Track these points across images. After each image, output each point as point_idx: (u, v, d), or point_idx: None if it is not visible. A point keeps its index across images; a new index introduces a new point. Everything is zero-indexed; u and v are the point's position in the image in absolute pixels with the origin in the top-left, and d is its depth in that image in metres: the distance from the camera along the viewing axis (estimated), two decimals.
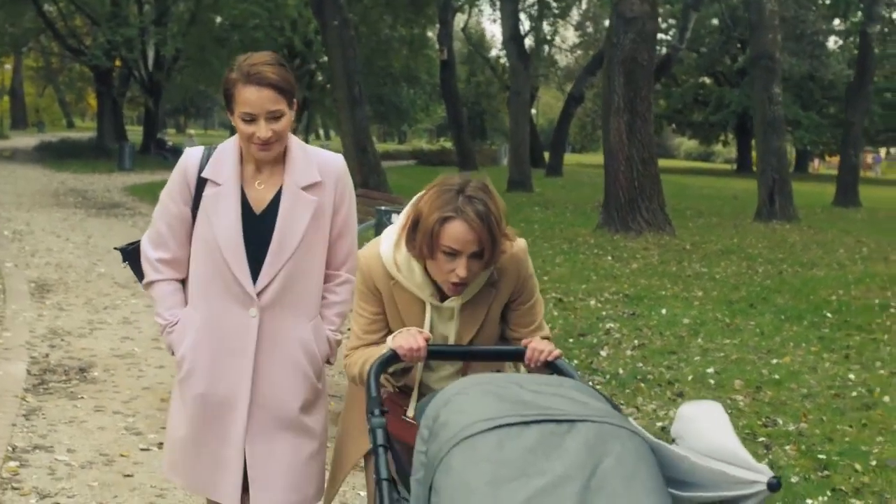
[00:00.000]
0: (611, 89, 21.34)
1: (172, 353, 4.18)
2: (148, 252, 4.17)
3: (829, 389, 9.21)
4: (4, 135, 67.43)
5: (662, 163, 78.11)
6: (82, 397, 8.10)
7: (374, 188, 22.58)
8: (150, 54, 51.40)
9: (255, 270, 4.01)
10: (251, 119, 3.88)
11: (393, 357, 3.58)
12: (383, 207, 13.57)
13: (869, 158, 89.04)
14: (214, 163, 4.07)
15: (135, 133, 62.06)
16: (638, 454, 2.76)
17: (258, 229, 4.02)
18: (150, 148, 51.00)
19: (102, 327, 10.64)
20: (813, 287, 15.19)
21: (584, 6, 68.47)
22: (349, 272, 4.23)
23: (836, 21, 63.09)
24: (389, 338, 3.64)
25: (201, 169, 4.06)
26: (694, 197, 39.00)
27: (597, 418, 2.81)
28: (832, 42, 68.16)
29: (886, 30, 59.51)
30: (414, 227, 3.70)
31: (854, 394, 9.11)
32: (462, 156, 50.11)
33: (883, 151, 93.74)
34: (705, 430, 2.89)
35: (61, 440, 6.99)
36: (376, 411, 3.32)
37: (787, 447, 7.49)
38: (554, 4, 56.38)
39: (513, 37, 40.99)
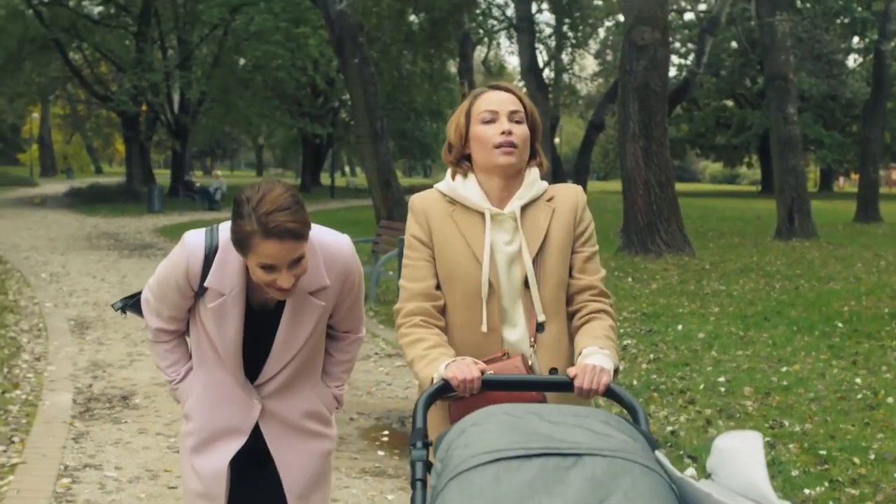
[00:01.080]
0: (626, 116, 21.83)
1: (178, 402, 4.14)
2: (148, 319, 4.07)
3: (835, 393, 9.63)
4: (34, 182, 68.29)
5: (687, 187, 78.34)
6: (126, 421, 8.62)
7: (399, 220, 23.09)
8: (176, 98, 52.15)
9: (259, 364, 3.94)
10: (271, 268, 3.60)
11: (444, 388, 3.40)
12: (403, 237, 14.04)
13: (894, 175, 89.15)
14: (219, 270, 3.81)
15: (162, 176, 62.88)
16: (651, 492, 2.58)
17: (260, 327, 3.89)
18: (178, 190, 51.69)
19: (141, 359, 11.14)
20: (826, 300, 15.60)
21: (601, 35, 69.08)
22: (356, 333, 4.19)
23: (856, 39, 63.56)
24: (442, 365, 3.44)
25: (204, 274, 3.81)
26: (717, 219, 39.40)
27: (608, 452, 2.65)
28: (852, 60, 68.53)
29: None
30: (450, 146, 3.81)
31: (859, 396, 9.53)
32: None
33: None
34: (736, 465, 2.68)
35: (109, 459, 7.51)
36: (419, 444, 3.15)
37: (791, 445, 7.92)
38: (570, 35, 57.02)
39: (531, 68, 41.58)
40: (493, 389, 3.45)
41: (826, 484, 6.99)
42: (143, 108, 51.75)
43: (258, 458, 4.02)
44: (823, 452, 7.71)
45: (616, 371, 3.51)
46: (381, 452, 7.88)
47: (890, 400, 9.34)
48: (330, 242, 3.89)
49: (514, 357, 3.58)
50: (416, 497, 2.97)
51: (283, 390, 3.96)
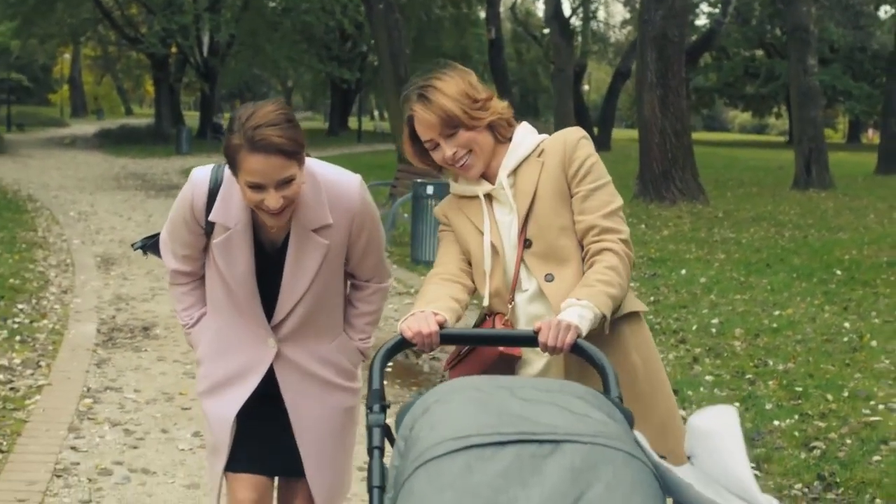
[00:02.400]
0: (643, 65, 22.17)
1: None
2: (166, 260, 4.02)
3: (821, 336, 10.07)
4: (65, 123, 68.88)
5: (716, 136, 78.17)
6: (146, 350, 9.18)
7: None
8: (205, 40, 52.52)
9: (270, 307, 3.85)
10: (259, 187, 3.53)
11: (402, 343, 3.30)
12: (419, 180, 14.48)
13: None
14: (223, 204, 3.76)
15: (191, 118, 63.32)
16: (634, 482, 2.42)
17: (271, 268, 3.82)
18: (207, 132, 52.20)
19: (162, 293, 11.67)
20: (830, 248, 15.99)
21: None
22: (378, 282, 4.07)
23: None
24: (402, 319, 3.40)
25: (209, 209, 3.76)
26: (740, 168, 39.68)
27: (587, 438, 2.47)
28: (883, 12, 68.25)
29: None
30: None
31: (845, 339, 9.97)
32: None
33: None
34: (717, 452, 2.61)
35: (129, 382, 8.08)
36: (375, 407, 3.00)
37: (770, 382, 8.40)
38: None
39: (555, 15, 41.83)
40: (453, 343, 3.51)
41: (796, 416, 7.46)
42: (173, 50, 52.16)
43: (275, 406, 3.93)
44: (800, 389, 8.18)
45: (604, 319, 3.40)
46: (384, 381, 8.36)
47: (874, 343, 9.77)
48: (336, 181, 3.82)
49: (490, 319, 3.67)
50: (374, 465, 2.80)
51: (299, 334, 3.87)
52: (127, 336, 9.69)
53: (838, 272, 13.69)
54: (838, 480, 6.22)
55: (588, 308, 3.36)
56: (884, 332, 10.25)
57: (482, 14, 55.23)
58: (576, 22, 59.87)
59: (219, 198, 3.74)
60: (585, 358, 3.21)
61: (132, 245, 4.42)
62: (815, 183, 28.24)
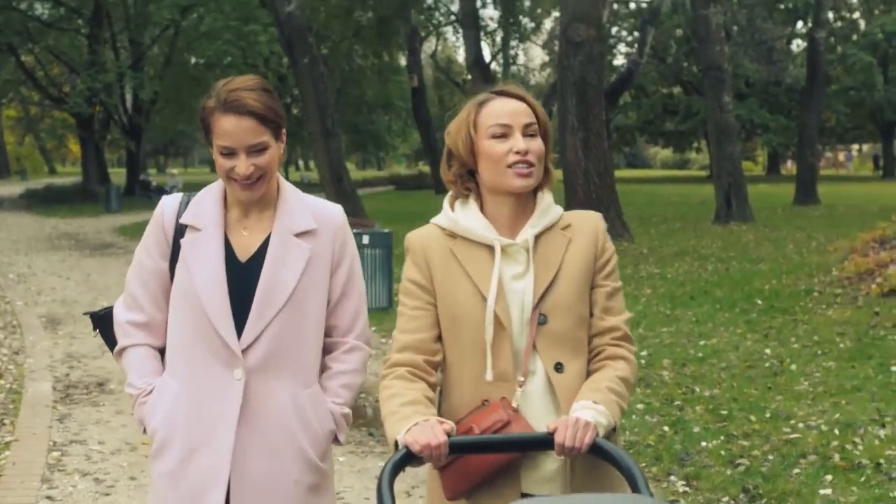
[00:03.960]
0: (564, 109, 22.82)
1: (144, 431, 3.64)
2: (119, 315, 3.69)
3: (744, 363, 10.68)
4: None
5: (638, 173, 79.24)
6: (104, 404, 9.59)
7: (350, 215, 24.04)
8: (129, 98, 52.78)
9: (241, 327, 3.50)
10: (230, 153, 3.43)
11: (407, 456, 2.99)
12: (355, 230, 14.92)
13: (841, 156, 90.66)
14: (195, 206, 3.61)
15: (117, 175, 63.29)
16: None
17: (243, 279, 3.53)
18: (135, 189, 52.32)
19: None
20: (750, 279, 16.67)
21: (548, 27, 70.11)
22: (359, 339, 3.71)
23: (800, 24, 64.93)
24: (403, 429, 3.05)
25: (179, 215, 3.61)
26: (662, 204, 40.56)
27: None
28: (795, 46, 69.87)
29: (838, 32, 61.48)
30: (450, 157, 3.43)
31: (767, 364, 10.58)
32: (437, 180, 51.42)
33: (855, 149, 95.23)
34: None
35: (92, 435, 8.50)
36: None
37: (698, 407, 8.96)
38: (515, 29, 57.91)
39: (476, 62, 42.64)
40: (463, 453, 3.12)
41: (722, 437, 8.03)
42: (97, 108, 52.33)
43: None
44: (725, 412, 8.75)
45: (614, 429, 3.16)
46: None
47: (794, 367, 10.38)
48: (322, 202, 3.72)
49: (493, 403, 3.21)
50: None
51: (271, 365, 3.51)
52: (83, 392, 10.07)
53: (759, 301, 14.34)
54: (761, 492, 6.79)
55: (603, 414, 3.11)
56: (802, 356, 10.87)
57: (403, 62, 55.94)
58: (496, 67, 60.81)
59: (191, 203, 3.64)
60: (607, 458, 3.01)
61: (84, 313, 4.23)
62: (735, 216, 29.09)
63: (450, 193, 3.46)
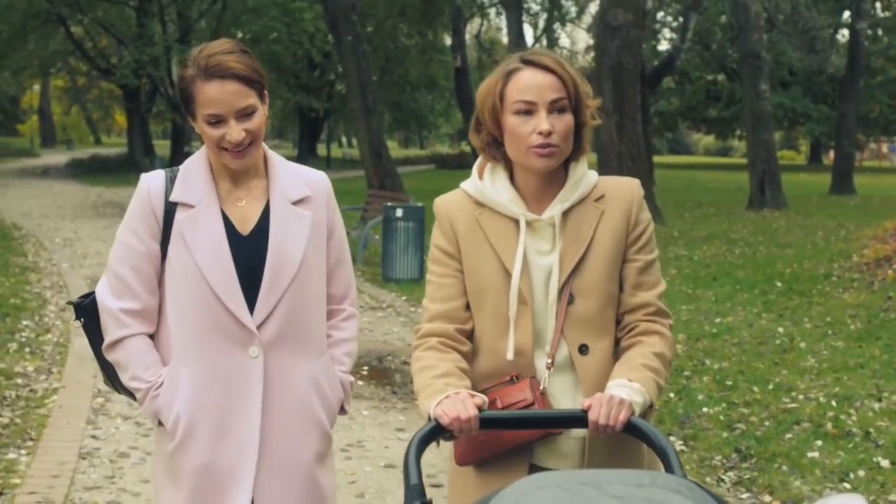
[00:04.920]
0: (600, 93, 23.24)
1: (160, 423, 3.50)
2: (109, 304, 3.46)
3: (756, 339, 11.14)
4: (35, 153, 69.55)
5: (680, 159, 78.79)
6: None
7: (389, 190, 24.57)
8: (175, 71, 53.49)
9: (250, 303, 3.41)
10: (218, 121, 3.32)
11: (437, 429, 2.92)
12: (388, 203, 15.50)
13: (884, 148, 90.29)
14: (182, 183, 3.46)
15: (161, 147, 64.09)
16: None
17: (247, 253, 3.43)
18: (180, 160, 52.73)
19: None
20: (773, 262, 17.09)
21: (593, 10, 70.28)
22: (352, 305, 3.74)
23: (846, 14, 64.78)
24: (434, 402, 2.98)
25: (167, 193, 3.45)
26: (700, 190, 40.83)
27: None
28: (841, 36, 69.68)
29: (885, 23, 61.41)
30: (478, 123, 3.26)
31: (777, 342, 11.04)
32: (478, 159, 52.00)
33: None
34: None
35: None
36: None
37: (705, 378, 9.44)
38: (556, 12, 58.22)
39: (517, 43, 42.99)
40: (494, 427, 3.05)
41: (724, 405, 8.51)
42: (144, 81, 53.03)
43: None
44: (730, 383, 9.23)
45: (650, 406, 3.08)
46: (360, 382, 9.36)
47: (803, 345, 10.83)
48: (308, 169, 3.68)
49: (522, 381, 3.15)
50: None
51: (286, 340, 3.46)
52: None
53: (778, 284, 14.76)
54: (752, 453, 7.29)
55: (639, 392, 3.02)
56: (813, 335, 11.31)
57: (448, 42, 56.29)
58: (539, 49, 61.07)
59: (178, 179, 3.48)
60: (641, 438, 2.95)
61: (68, 302, 3.97)
62: (768, 203, 29.42)
63: (480, 158, 3.32)
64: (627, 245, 3.22)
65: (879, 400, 8.62)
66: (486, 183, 3.26)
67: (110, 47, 58.47)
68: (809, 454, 7.24)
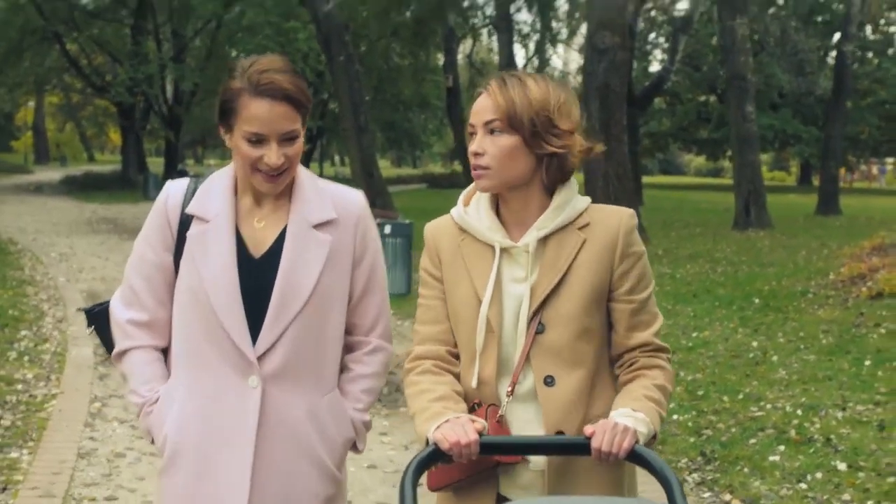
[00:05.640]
0: (587, 114, 23.67)
1: (152, 441, 3.40)
2: (118, 314, 3.39)
3: (730, 353, 11.53)
4: (29, 170, 69.89)
5: (671, 179, 79.10)
6: None
7: (378, 207, 24.99)
8: (169, 89, 53.95)
9: (256, 330, 3.22)
10: (259, 140, 3.15)
11: (436, 454, 2.90)
12: (378, 220, 15.88)
13: (874, 169, 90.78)
14: (202, 196, 3.32)
15: (154, 164, 64.45)
16: None
17: (258, 278, 3.24)
18: (173, 178, 53.35)
19: None
20: (752, 280, 17.51)
21: (584, 32, 70.67)
22: (382, 338, 3.47)
23: (836, 36, 65.36)
24: (433, 426, 2.95)
25: (185, 204, 3.33)
26: (689, 210, 41.23)
27: None
28: (831, 58, 70.22)
29: (874, 46, 62.00)
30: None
31: (751, 355, 11.43)
32: (469, 179, 52.17)
33: (890, 162, 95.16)
34: None
35: None
36: None
37: (678, 388, 9.82)
38: (548, 34, 58.69)
39: (509, 63, 43.54)
40: (496, 453, 3.04)
41: (694, 412, 8.92)
42: (139, 98, 53.45)
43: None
44: (701, 392, 9.63)
45: (653, 437, 3.03)
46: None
47: (775, 358, 11.22)
48: (342, 188, 3.45)
49: (480, 409, 3.14)
50: None
51: (289, 374, 3.25)
52: None
53: (756, 300, 15.17)
54: (717, 456, 7.70)
55: (643, 422, 2.98)
56: (786, 349, 11.71)
57: (440, 62, 56.74)
58: (530, 70, 61.57)
59: (198, 192, 3.35)
60: (645, 466, 2.89)
61: (78, 309, 3.95)
62: (753, 223, 29.85)
63: (471, 185, 3.29)
64: (614, 281, 3.15)
65: (844, 409, 9.01)
66: (471, 209, 3.25)
67: (105, 65, 58.94)
68: (771, 458, 7.65)
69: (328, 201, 3.34)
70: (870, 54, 66.79)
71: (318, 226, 3.29)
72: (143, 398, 3.31)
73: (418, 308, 3.31)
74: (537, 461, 3.10)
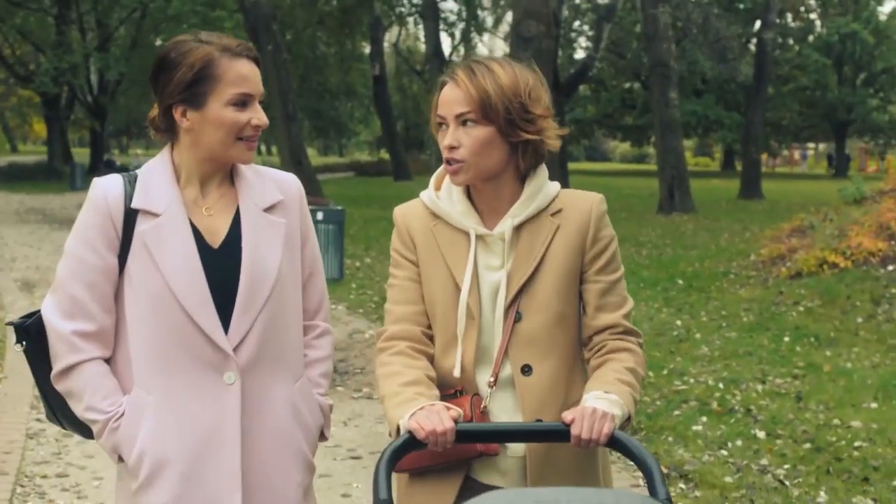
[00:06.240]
0: None
1: (120, 459, 3.14)
2: (59, 326, 3.09)
3: (655, 332, 11.93)
4: None
5: (597, 166, 79.81)
6: None
7: (310, 194, 25.22)
8: (94, 79, 53.70)
9: (225, 323, 3.08)
10: (245, 102, 3.06)
11: (410, 442, 2.84)
12: (311, 207, 16.09)
13: (796, 155, 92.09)
14: (143, 189, 3.12)
15: (79, 155, 64.08)
16: None
17: (219, 268, 3.10)
18: (100, 168, 53.14)
19: None
20: (676, 262, 17.98)
21: (510, 20, 71.07)
22: (325, 321, 3.42)
23: (758, 23, 66.26)
24: (407, 413, 2.88)
25: (128, 200, 3.10)
26: (614, 196, 41.36)
27: None
28: (753, 45, 71.15)
29: (794, 33, 62.99)
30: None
31: (675, 333, 11.86)
32: (397, 166, 52.81)
33: (812, 147, 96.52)
34: None
35: None
36: None
37: None
38: (473, 21, 59.10)
39: (435, 53, 43.87)
40: (472, 441, 2.99)
41: None
42: (64, 88, 53.15)
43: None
44: None
45: (628, 419, 3.00)
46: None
47: (698, 335, 11.65)
48: (278, 172, 3.37)
49: (464, 397, 3.10)
50: None
51: (263, 363, 3.14)
52: None
53: (680, 281, 15.63)
54: (643, 427, 8.08)
55: (617, 404, 2.95)
56: (708, 327, 12.15)
57: (367, 50, 56.96)
58: (456, 58, 61.90)
59: (138, 186, 3.13)
60: (624, 452, 2.86)
61: (7, 323, 3.38)
62: (678, 207, 30.42)
63: (439, 169, 3.25)
64: (585, 263, 3.15)
65: (763, 383, 9.44)
66: (443, 194, 3.21)
67: (29, 54, 58.48)
68: (694, 427, 8.04)
69: (271, 184, 3.25)
70: (790, 41, 67.83)
71: (267, 209, 3.19)
72: (107, 413, 3.07)
73: (390, 289, 3.25)
74: (515, 448, 3.10)
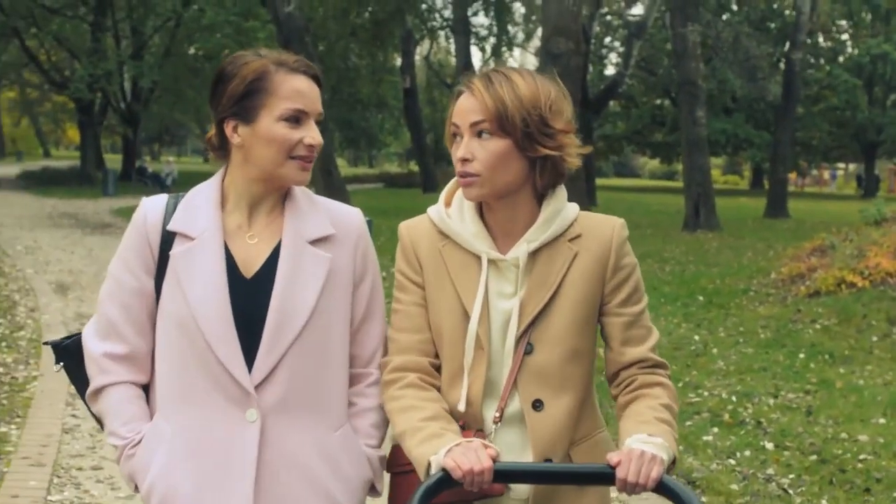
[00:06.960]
0: None
1: (136, 490, 3.04)
2: (92, 347, 3.05)
3: (673, 346, 12.19)
4: None
5: (626, 182, 79.83)
6: None
7: None
8: (128, 86, 54.29)
9: (250, 358, 2.91)
10: (298, 118, 2.91)
11: (445, 480, 2.67)
12: None
13: (826, 175, 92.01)
14: (186, 210, 3.01)
15: (111, 161, 64.64)
16: None
17: (249, 300, 2.94)
18: (132, 175, 53.66)
19: None
20: (697, 278, 18.22)
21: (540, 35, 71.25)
22: (379, 368, 3.12)
23: (788, 43, 66.36)
24: (443, 450, 2.70)
25: (166, 221, 3.00)
26: (641, 212, 41.89)
27: None
28: (783, 65, 71.18)
29: (825, 53, 63.06)
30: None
31: (692, 348, 12.11)
32: (426, 178, 53.12)
33: (841, 168, 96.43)
34: None
35: None
36: None
37: None
38: (504, 37, 59.41)
39: (466, 66, 44.22)
40: (511, 481, 2.83)
41: None
42: (98, 94, 53.72)
43: None
44: None
45: (673, 462, 2.81)
46: None
47: (715, 350, 11.91)
48: (337, 204, 3.18)
49: (467, 432, 2.90)
50: None
51: (291, 405, 2.95)
52: None
53: (700, 298, 15.88)
54: None
55: (664, 448, 2.77)
56: (726, 342, 12.41)
57: (398, 62, 57.32)
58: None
59: (180, 206, 3.03)
60: (672, 497, 2.70)
61: (45, 343, 3.38)
62: (703, 225, 30.61)
63: (451, 182, 3.07)
64: (606, 294, 2.99)
65: (776, 397, 9.70)
66: (454, 212, 3.02)
67: (64, 61, 59.11)
68: (704, 438, 8.32)
69: (324, 216, 3.05)
70: (821, 61, 67.90)
71: (314, 242, 3.00)
72: (125, 440, 2.97)
73: (394, 314, 3.06)
74: (520, 490, 2.92)
